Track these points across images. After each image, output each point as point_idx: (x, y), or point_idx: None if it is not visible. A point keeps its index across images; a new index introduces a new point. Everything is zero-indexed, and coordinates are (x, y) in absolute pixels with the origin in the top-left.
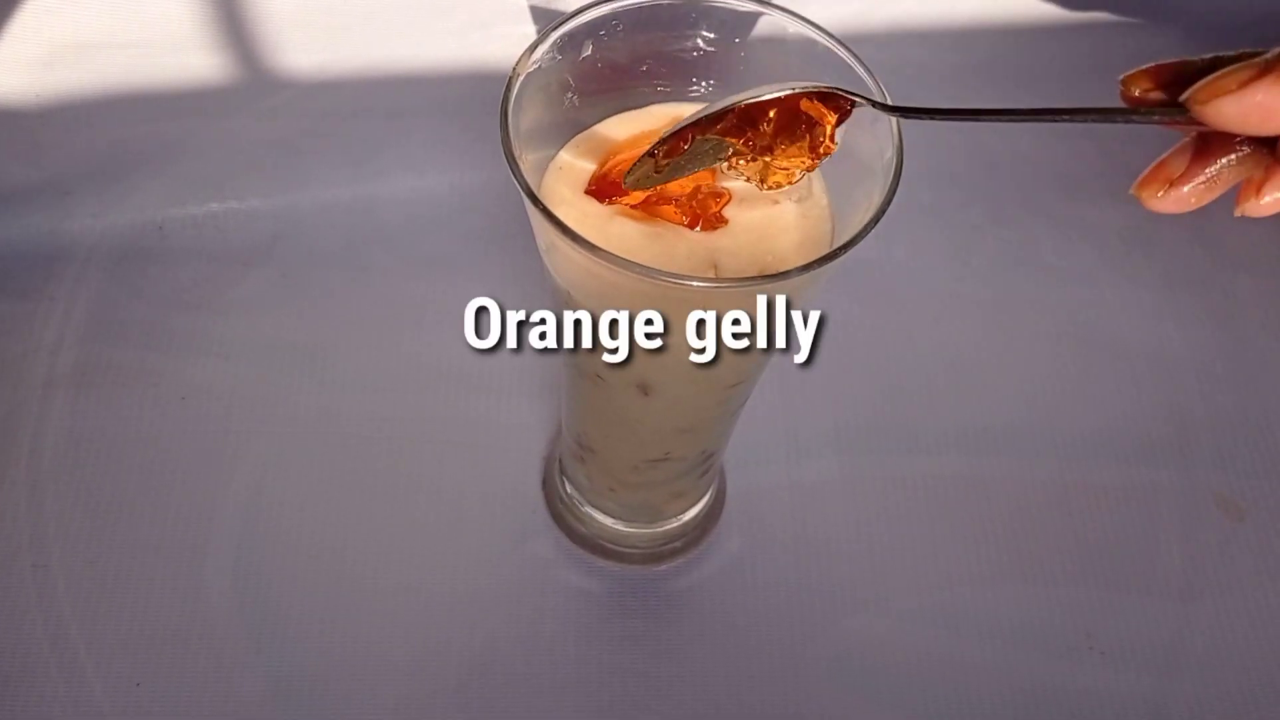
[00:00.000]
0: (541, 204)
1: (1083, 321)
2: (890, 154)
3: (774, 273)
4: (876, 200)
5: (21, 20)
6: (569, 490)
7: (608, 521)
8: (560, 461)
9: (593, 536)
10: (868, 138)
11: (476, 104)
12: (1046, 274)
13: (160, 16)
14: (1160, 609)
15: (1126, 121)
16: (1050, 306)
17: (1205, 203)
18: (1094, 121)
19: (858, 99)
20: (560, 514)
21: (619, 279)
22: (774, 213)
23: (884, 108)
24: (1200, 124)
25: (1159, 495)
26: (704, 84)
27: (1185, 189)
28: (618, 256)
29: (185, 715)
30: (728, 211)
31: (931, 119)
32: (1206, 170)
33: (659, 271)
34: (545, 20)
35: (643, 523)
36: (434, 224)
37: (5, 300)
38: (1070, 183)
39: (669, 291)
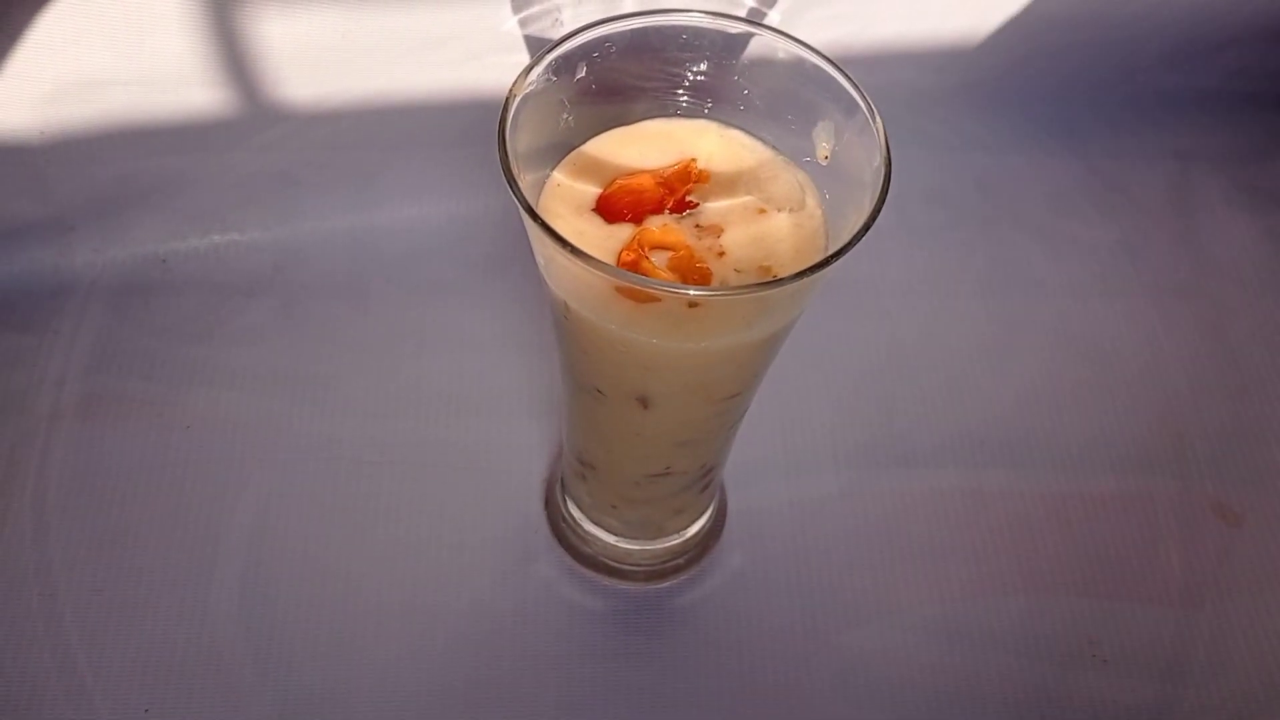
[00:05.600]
0: (539, 217)
1: (1076, 334)
2: (878, 163)
3: (769, 279)
4: (867, 209)
5: (25, 58)
6: (571, 509)
7: (610, 539)
8: (562, 481)
9: (595, 555)
10: (857, 149)
11: (473, 133)
12: (1038, 289)
13: (161, 53)
14: (1162, 615)
15: None
16: (1043, 320)
17: None
18: None
19: None
20: (563, 533)
21: (615, 290)
22: (770, 225)
23: None
24: None
25: (1156, 503)
26: (695, 101)
27: None
28: (613, 266)
29: None
30: (727, 227)
31: None
32: None
33: (654, 280)
34: (538, 50)
35: (645, 539)
36: (433, 252)
37: (10, 334)
38: (1059, 199)
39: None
